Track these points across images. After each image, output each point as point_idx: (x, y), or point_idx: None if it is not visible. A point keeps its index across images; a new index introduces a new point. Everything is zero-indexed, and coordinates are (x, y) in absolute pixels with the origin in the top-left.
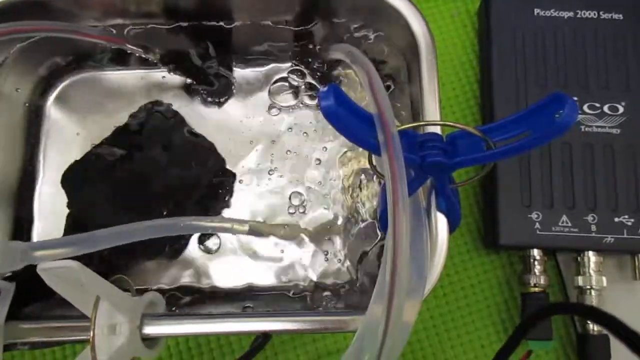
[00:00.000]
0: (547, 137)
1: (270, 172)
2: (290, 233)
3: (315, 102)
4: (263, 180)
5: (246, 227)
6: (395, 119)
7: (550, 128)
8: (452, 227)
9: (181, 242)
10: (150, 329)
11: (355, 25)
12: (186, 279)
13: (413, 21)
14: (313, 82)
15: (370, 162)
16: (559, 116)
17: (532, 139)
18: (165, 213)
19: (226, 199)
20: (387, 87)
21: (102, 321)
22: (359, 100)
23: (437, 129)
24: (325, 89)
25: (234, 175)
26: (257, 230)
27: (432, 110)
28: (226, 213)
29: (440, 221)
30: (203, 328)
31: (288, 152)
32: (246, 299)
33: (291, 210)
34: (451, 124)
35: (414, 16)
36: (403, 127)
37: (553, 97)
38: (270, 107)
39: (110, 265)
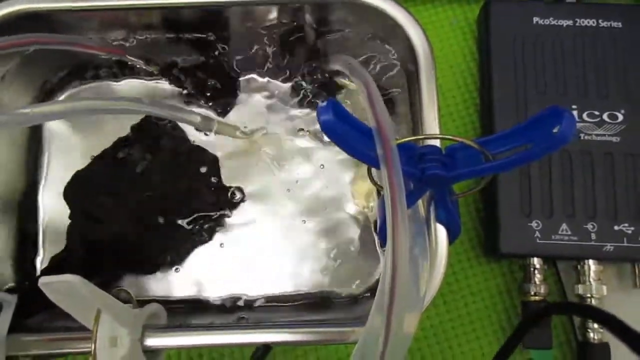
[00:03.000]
0: (545, 150)
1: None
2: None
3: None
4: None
5: (197, 118)
6: (395, 129)
7: (548, 142)
8: (452, 237)
9: (180, 253)
10: (152, 341)
11: (355, 37)
12: (182, 290)
13: (412, 33)
14: (314, 92)
15: (369, 174)
16: (557, 130)
17: (531, 152)
18: (165, 222)
19: (226, 210)
20: (386, 99)
21: (104, 334)
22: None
23: (436, 142)
24: (324, 103)
25: (230, 188)
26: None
27: (431, 122)
28: (227, 223)
29: (440, 232)
30: (205, 340)
31: (291, 162)
32: (241, 309)
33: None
34: (450, 137)
35: (413, 28)
36: (402, 140)
37: (551, 110)
38: (272, 118)
39: (109, 277)
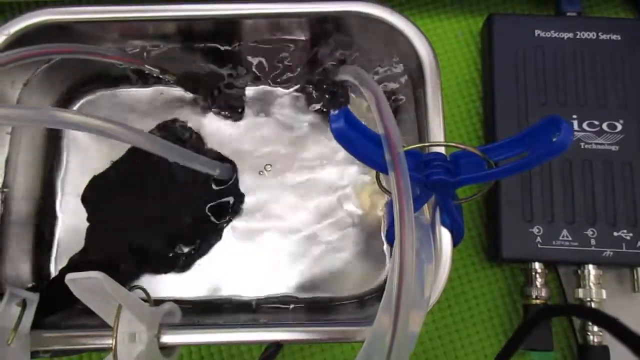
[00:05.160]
0: (544, 157)
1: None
2: None
3: (324, 119)
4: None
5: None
6: (402, 136)
7: (547, 149)
8: (456, 241)
9: (193, 254)
10: (168, 338)
11: (364, 49)
12: (195, 290)
13: (419, 45)
14: (323, 101)
15: (377, 180)
16: (556, 138)
17: (531, 159)
18: (182, 225)
19: (236, 212)
20: (394, 108)
21: (123, 329)
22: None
23: (441, 149)
24: (336, 112)
25: (242, 194)
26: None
27: (436, 130)
28: (235, 223)
29: (445, 235)
30: (218, 337)
31: (298, 167)
32: (252, 310)
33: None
34: (454, 144)
35: (420, 40)
36: (409, 147)
37: (550, 119)
38: (281, 124)
39: (125, 277)
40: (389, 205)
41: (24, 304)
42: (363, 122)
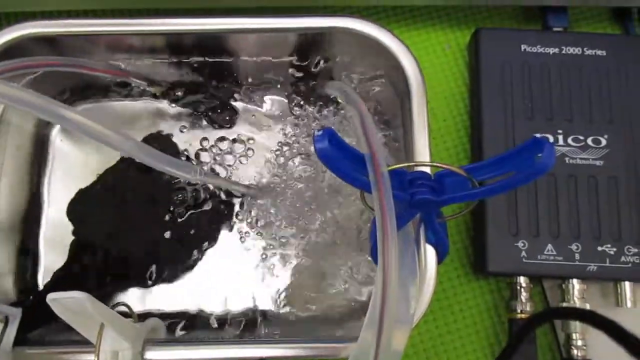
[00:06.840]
0: (528, 177)
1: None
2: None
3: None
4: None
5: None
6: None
7: (530, 170)
8: (441, 257)
9: (178, 268)
10: (152, 355)
11: (350, 63)
12: (179, 304)
13: (405, 63)
14: (310, 115)
15: (362, 198)
16: (539, 159)
17: (514, 179)
18: (166, 239)
19: (224, 223)
20: (379, 125)
21: (106, 347)
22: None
23: (426, 168)
24: (320, 132)
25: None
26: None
27: (421, 147)
28: (220, 237)
29: (430, 252)
30: (203, 354)
31: (289, 178)
32: (238, 325)
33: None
34: (438, 164)
35: (407, 58)
36: (393, 167)
37: (533, 141)
38: (267, 138)
39: (109, 291)
40: (373, 224)
41: (6, 321)
42: None
